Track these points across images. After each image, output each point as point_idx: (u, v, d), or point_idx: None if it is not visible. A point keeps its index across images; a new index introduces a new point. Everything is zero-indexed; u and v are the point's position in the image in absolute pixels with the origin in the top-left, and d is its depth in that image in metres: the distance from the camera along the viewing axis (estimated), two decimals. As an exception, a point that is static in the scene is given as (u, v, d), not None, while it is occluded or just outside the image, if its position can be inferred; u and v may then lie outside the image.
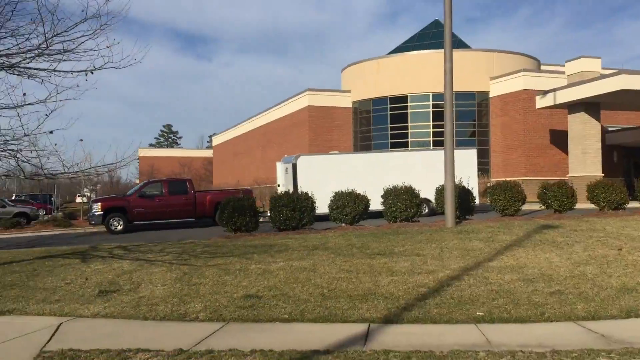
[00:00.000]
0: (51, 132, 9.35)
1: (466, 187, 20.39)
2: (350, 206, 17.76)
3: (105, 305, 8.39)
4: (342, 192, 18.19)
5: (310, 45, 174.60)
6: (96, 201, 22.46)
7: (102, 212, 21.54)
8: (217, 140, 73.26)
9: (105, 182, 48.11)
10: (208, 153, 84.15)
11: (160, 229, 22.89)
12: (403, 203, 18.32)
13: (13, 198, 54.74)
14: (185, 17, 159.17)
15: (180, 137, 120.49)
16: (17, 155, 9.78)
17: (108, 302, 8.55)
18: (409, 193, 18.51)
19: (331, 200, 18.26)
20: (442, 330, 6.69)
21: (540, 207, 20.86)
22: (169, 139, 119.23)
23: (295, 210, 17.04)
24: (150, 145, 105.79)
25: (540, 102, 32.72)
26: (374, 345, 6.08)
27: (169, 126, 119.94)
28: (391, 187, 18.93)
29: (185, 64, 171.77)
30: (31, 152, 9.98)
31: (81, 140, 10.12)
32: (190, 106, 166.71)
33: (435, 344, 6.04)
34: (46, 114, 9.27)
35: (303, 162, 24.07)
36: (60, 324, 7.29)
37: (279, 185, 26.16)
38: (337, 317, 7.33)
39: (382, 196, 18.98)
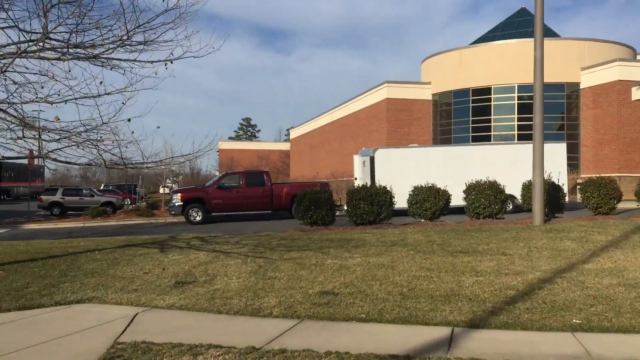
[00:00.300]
0: (129, 119, 9.40)
1: (556, 182, 19.16)
2: (430, 201, 17.10)
3: (180, 296, 8.32)
4: (421, 186, 17.56)
5: (389, 39, 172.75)
6: (176, 192, 23.04)
7: (181, 203, 22.03)
8: (294, 133, 73.92)
9: (186, 174, 49.54)
10: (285, 146, 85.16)
11: (237, 220, 23.14)
12: (487, 199, 17.44)
13: (101, 188, 57.72)
14: (265, 12, 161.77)
15: (258, 131, 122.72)
16: (99, 145, 9.93)
17: (183, 294, 8.48)
18: (493, 188, 17.59)
19: (410, 195, 17.67)
20: (535, 338, 6.05)
21: (638, 205, 19.27)
22: (248, 132, 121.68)
23: (372, 204, 16.60)
24: (230, 138, 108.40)
25: (637, 94, 30.38)
26: (458, 352, 5.57)
27: (247, 120, 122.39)
28: (474, 181, 18.07)
29: (265, 59, 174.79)
30: (112, 142, 10.12)
31: (158, 127, 10.17)
32: (269, 100, 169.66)
33: (528, 354, 5.46)
34: (123, 103, 9.34)
35: (381, 155, 23.54)
36: (136, 314, 7.25)
37: (356, 179, 25.79)
38: (417, 319, 6.84)
39: (464, 191, 18.18)
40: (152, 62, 9.83)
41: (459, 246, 12.24)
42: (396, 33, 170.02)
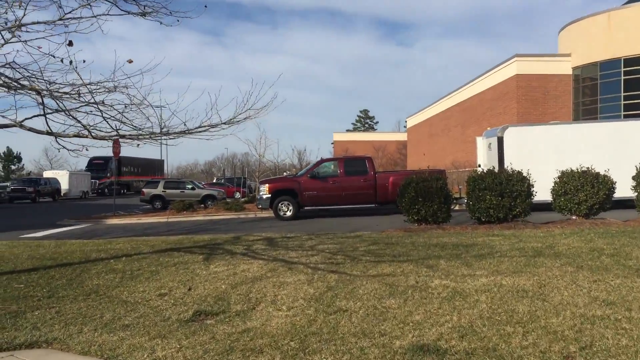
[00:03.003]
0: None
1: None
2: (585, 191, 12.40)
3: (187, 341, 5.04)
4: (572, 171, 12.90)
5: (519, 24, 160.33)
6: (264, 182, 19.85)
7: (269, 195, 18.88)
8: (411, 122, 69.06)
9: (296, 166, 46.93)
10: (403, 136, 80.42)
11: (336, 216, 19.67)
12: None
13: (214, 181, 57.29)
14: (388, 5, 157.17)
15: (376, 123, 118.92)
16: (102, 109, 6.84)
17: (193, 337, 5.16)
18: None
19: (556, 183, 13.09)
20: None
21: None
22: (366, 124, 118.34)
23: (503, 196, 12.29)
24: (347, 130, 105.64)
25: None
26: None
27: (365, 111, 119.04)
28: (648, 164, 13.08)
29: (387, 51, 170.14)
30: (123, 107, 6.99)
31: (130, 61, 6.79)
32: (389, 92, 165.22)
33: None
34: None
35: (512, 134, 18.87)
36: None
37: (479, 166, 21.28)
38: None
39: (633, 177, 13.24)
40: None
41: (647, 259, 7.77)
42: (527, 18, 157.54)
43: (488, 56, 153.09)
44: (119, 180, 60.83)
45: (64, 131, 6.79)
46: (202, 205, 29.61)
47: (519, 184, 12.37)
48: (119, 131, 6.97)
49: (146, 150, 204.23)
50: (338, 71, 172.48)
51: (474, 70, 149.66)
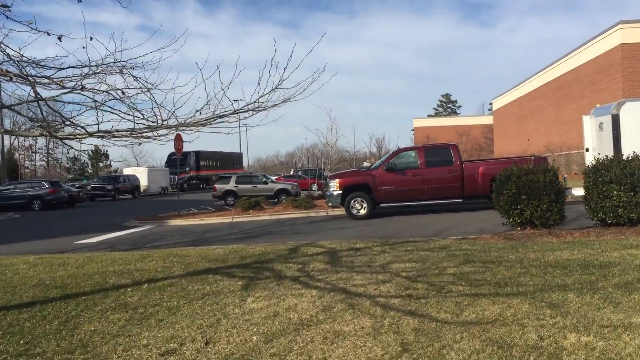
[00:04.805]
0: None
1: None
2: None
3: None
4: None
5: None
6: (334, 177, 17.55)
7: (340, 192, 16.61)
8: (497, 104, 64.33)
9: (375, 155, 44.32)
10: (488, 120, 75.52)
11: (418, 212, 17.19)
12: None
13: (291, 173, 55.83)
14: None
15: (459, 107, 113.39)
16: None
17: None
18: None
19: None
20: None
21: None
22: (448, 109, 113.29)
23: (636, 191, 9.41)
24: (429, 116, 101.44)
25: None
26: None
27: (447, 95, 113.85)
28: None
29: (469, 33, 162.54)
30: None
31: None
32: (471, 76, 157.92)
33: None
34: None
35: (631, 110, 15.57)
36: None
37: (587, 150, 18.04)
38: None
39: None
40: None
41: None
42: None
43: (576, 34, 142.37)
44: (198, 175, 60.93)
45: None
46: (276, 200, 28.02)
47: (658, 174, 9.44)
48: (99, 125, 5.05)
49: (225, 144, 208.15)
50: (417, 56, 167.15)
51: (561, 49, 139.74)
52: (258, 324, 5.49)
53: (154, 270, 8.30)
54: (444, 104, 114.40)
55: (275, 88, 5.10)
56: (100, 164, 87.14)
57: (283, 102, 5.44)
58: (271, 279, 7.31)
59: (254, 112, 5.32)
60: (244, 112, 5.29)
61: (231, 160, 69.81)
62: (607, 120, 16.07)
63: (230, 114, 5.24)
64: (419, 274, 7.01)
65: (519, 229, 10.19)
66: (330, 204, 17.28)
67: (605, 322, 4.82)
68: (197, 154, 60.71)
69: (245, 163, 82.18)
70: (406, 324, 5.11)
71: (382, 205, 16.80)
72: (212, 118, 5.23)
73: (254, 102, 5.18)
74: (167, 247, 11.98)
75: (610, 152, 14.00)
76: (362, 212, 16.51)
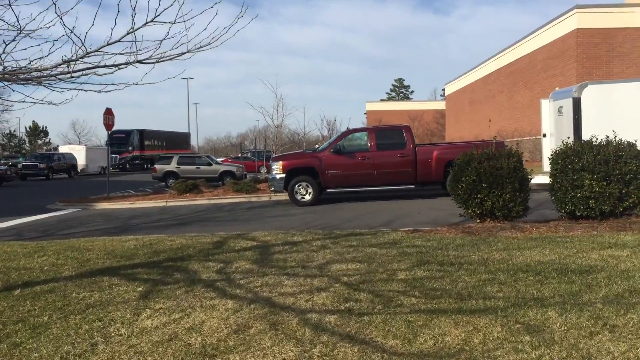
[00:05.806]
0: None
1: None
2: None
3: None
4: None
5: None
6: (277, 159, 16.06)
7: (283, 175, 15.17)
8: (450, 89, 63.85)
9: (326, 137, 42.91)
10: (440, 105, 75.19)
11: (367, 199, 15.95)
12: None
13: (238, 155, 53.84)
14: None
15: (412, 92, 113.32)
16: None
17: None
18: None
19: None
20: None
21: None
22: (401, 94, 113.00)
23: (609, 180, 8.38)
24: (382, 100, 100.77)
25: None
26: None
27: (400, 80, 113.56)
28: None
29: (424, 19, 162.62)
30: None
31: None
32: (426, 61, 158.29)
33: None
34: None
35: (592, 94, 14.71)
36: None
37: (544, 135, 17.24)
38: None
39: None
40: None
41: None
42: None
43: (528, 23, 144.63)
44: (142, 155, 58.11)
45: None
46: (220, 183, 26.35)
47: (634, 161, 8.42)
48: None
49: (175, 123, 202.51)
50: (373, 41, 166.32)
51: (513, 38, 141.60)
52: (144, 353, 4.04)
53: (39, 270, 6.69)
54: (397, 89, 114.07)
55: (152, 21, 3.61)
56: (39, 142, 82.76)
57: (185, 53, 3.97)
58: (181, 283, 5.86)
59: (131, 63, 3.82)
60: (113, 65, 3.77)
61: (178, 140, 67.11)
62: (568, 104, 15.19)
63: (91, 65, 3.70)
64: (363, 278, 5.69)
65: (478, 220, 9.03)
66: (273, 189, 15.81)
67: (604, 355, 3.61)
68: (141, 132, 57.93)
69: (194, 143, 79.58)
70: (342, 356, 3.78)
71: (329, 190, 15.43)
72: (65, 65, 3.68)
73: (122, 40, 3.69)
74: (81, 236, 10.33)
75: (570, 137, 13.11)
76: (307, 197, 15.13)
